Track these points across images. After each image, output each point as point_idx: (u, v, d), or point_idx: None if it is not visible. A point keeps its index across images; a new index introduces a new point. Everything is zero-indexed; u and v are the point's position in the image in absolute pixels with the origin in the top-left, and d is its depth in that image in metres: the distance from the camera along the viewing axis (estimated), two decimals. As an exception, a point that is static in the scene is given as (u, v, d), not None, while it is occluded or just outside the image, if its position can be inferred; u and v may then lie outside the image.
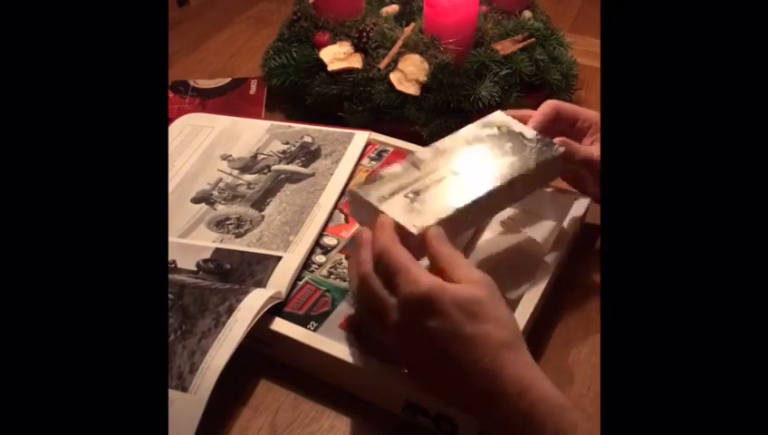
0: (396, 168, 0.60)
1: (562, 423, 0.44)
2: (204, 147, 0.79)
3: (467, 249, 0.68)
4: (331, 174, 0.74)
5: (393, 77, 0.81)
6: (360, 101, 0.82)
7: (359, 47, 0.84)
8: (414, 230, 0.53)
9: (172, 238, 0.67)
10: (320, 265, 0.64)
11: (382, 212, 0.55)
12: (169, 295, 0.59)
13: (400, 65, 0.81)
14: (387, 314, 0.49)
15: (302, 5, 0.91)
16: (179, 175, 0.75)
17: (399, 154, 0.77)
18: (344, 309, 0.60)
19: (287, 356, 0.59)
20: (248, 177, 0.75)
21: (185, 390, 0.52)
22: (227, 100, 0.92)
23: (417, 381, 0.51)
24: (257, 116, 0.88)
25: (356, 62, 0.83)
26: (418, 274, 0.48)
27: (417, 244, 0.53)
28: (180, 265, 0.65)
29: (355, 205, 0.59)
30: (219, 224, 0.69)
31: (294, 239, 0.66)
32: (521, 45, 0.85)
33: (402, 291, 0.48)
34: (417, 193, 0.57)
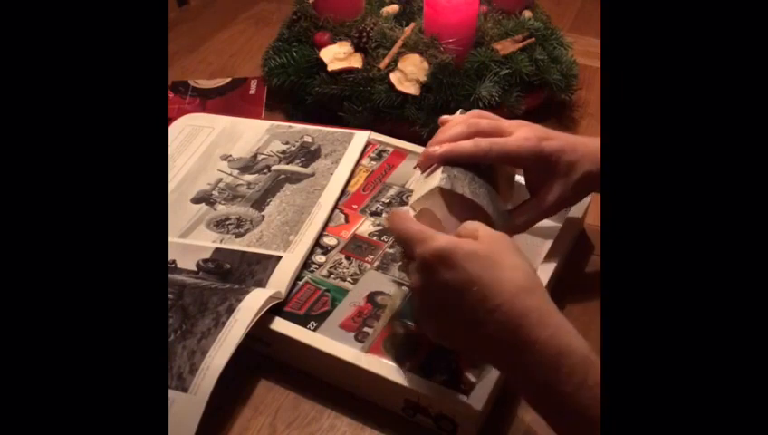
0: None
1: (587, 380, 0.43)
2: (204, 147, 0.79)
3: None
4: (331, 174, 0.74)
5: (393, 77, 0.81)
6: (359, 101, 0.82)
7: (359, 47, 0.84)
8: (411, 212, 0.56)
9: (172, 238, 0.67)
10: (320, 265, 0.64)
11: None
12: (169, 295, 0.58)
13: (400, 65, 0.81)
14: (411, 282, 0.50)
15: (302, 5, 0.91)
16: (179, 175, 0.75)
17: (399, 154, 0.77)
18: (344, 309, 0.60)
19: (287, 356, 0.59)
20: (248, 177, 0.75)
21: (185, 390, 0.52)
22: (227, 100, 0.92)
23: (444, 345, 0.52)
24: (257, 116, 0.88)
25: (356, 62, 0.83)
26: (431, 235, 0.49)
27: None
28: (180, 265, 0.65)
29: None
30: (219, 224, 0.69)
31: (294, 239, 0.66)
32: (521, 45, 0.85)
33: (417, 254, 0.49)
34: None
